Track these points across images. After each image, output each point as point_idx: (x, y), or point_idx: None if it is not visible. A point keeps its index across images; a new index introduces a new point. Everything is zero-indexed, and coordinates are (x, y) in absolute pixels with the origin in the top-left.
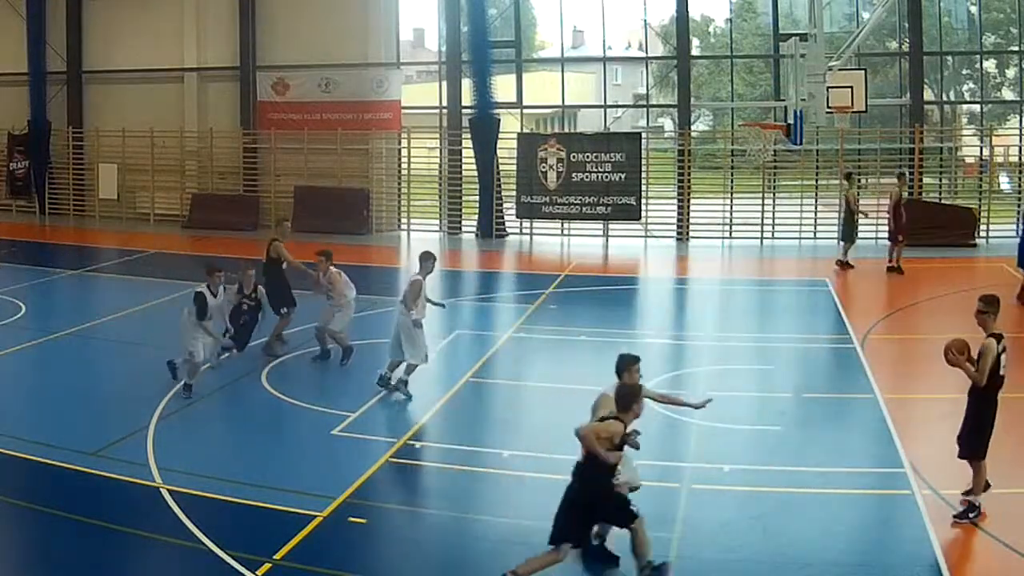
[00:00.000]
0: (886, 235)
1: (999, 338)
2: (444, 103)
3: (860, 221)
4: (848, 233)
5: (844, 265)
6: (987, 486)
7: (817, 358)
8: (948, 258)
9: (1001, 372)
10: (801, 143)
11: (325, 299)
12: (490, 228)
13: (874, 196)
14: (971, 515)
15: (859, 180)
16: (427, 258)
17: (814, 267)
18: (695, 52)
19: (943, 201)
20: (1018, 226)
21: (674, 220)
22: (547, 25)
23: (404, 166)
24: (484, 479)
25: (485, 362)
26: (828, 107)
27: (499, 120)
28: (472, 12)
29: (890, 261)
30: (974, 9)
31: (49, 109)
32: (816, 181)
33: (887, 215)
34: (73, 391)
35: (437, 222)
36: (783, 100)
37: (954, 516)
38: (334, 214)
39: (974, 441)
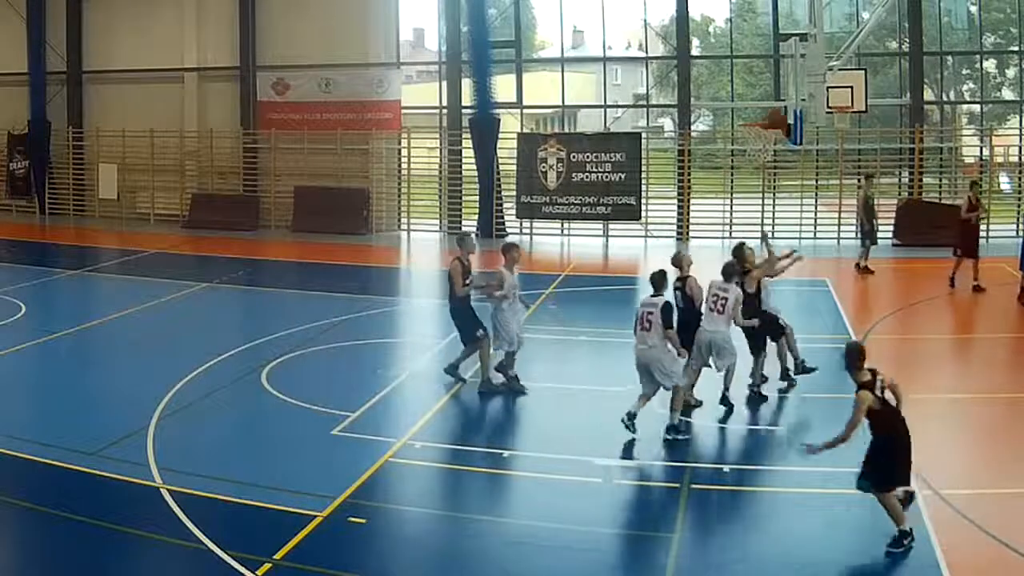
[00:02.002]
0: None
1: (870, 387)
2: (444, 103)
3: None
4: (868, 236)
5: (864, 270)
6: (910, 498)
7: (817, 358)
8: (948, 258)
9: (896, 406)
10: (801, 143)
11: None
12: (490, 228)
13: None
14: (906, 541)
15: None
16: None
17: (814, 267)
18: (695, 52)
19: (943, 201)
20: (1019, 227)
21: (674, 220)
22: (547, 25)
23: (404, 166)
24: (484, 479)
25: None
26: (828, 107)
27: (499, 120)
28: (472, 12)
29: (976, 278)
30: (974, 9)
31: (49, 109)
32: (816, 181)
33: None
34: (73, 391)
35: (437, 222)
36: (783, 100)
37: (888, 546)
38: (334, 214)
39: (879, 474)
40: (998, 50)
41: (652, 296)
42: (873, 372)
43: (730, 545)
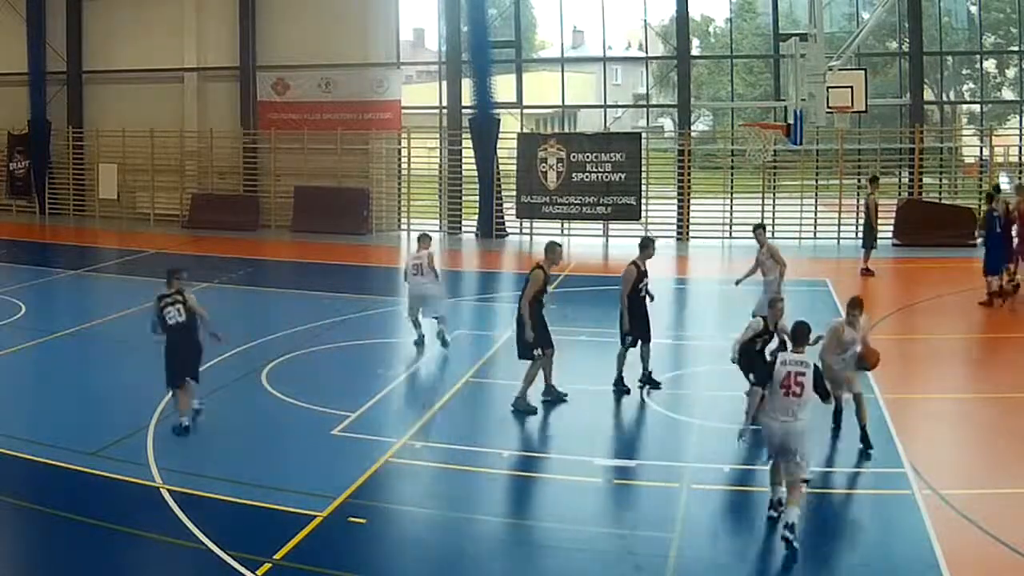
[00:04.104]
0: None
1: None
2: (444, 103)
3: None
4: (869, 239)
5: (865, 271)
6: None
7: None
8: (948, 258)
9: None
10: (801, 143)
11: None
12: (490, 228)
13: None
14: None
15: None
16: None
17: (814, 267)
18: (695, 52)
19: (943, 201)
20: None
21: (674, 220)
22: (547, 25)
23: (404, 166)
24: (484, 479)
25: (485, 362)
26: (828, 107)
27: (499, 120)
28: (472, 12)
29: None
30: (974, 9)
31: (49, 109)
32: (816, 181)
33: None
34: (73, 391)
35: (437, 222)
36: (783, 100)
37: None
38: (334, 214)
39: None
40: (998, 50)
41: (795, 352)
42: (179, 292)
43: (730, 545)
